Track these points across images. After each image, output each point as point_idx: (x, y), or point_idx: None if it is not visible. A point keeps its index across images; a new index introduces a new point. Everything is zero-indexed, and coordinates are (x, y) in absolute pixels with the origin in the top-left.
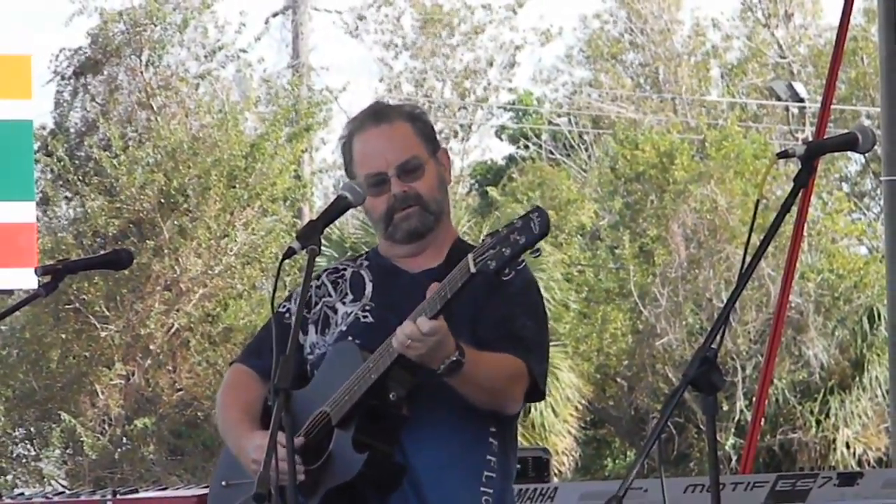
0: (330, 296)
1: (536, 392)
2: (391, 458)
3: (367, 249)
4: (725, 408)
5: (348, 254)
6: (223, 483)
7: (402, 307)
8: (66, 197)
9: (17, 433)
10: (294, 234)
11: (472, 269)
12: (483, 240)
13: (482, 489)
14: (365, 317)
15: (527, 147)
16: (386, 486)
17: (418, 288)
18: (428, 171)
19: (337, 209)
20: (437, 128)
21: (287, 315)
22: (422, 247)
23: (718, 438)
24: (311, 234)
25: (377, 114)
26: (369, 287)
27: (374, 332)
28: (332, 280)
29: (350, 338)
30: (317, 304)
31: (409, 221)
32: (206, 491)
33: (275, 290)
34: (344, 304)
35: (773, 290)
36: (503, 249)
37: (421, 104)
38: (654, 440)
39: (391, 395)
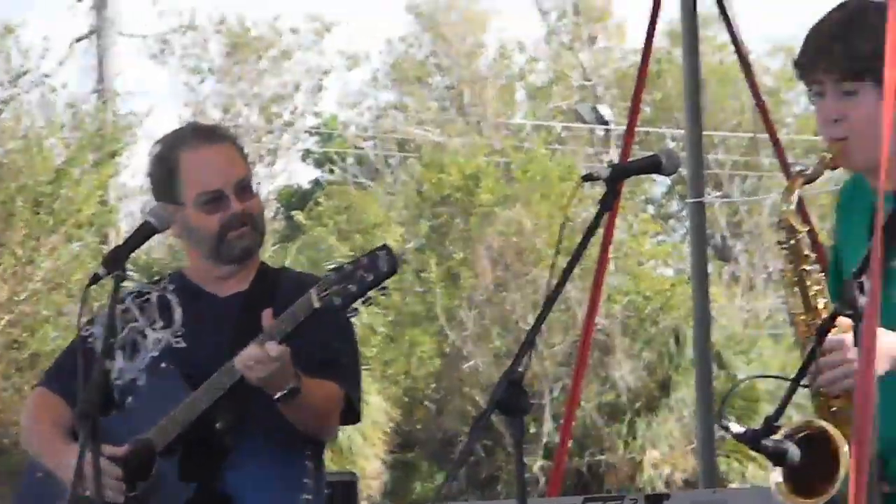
0: (137, 321)
1: (353, 415)
2: (217, 487)
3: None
4: (533, 430)
5: (154, 275)
6: None
7: (212, 332)
8: None
9: None
10: (100, 260)
11: (316, 305)
12: (326, 275)
13: None
14: (178, 342)
15: (332, 171)
16: None
17: (228, 311)
18: (256, 196)
19: (143, 234)
20: (246, 150)
21: (90, 339)
22: (243, 267)
23: (526, 461)
24: (116, 260)
25: (208, 133)
26: (178, 312)
27: (188, 357)
28: (138, 305)
29: (164, 364)
30: (123, 328)
31: (243, 240)
32: None
33: (80, 317)
34: (154, 329)
35: (579, 312)
36: (349, 286)
37: (228, 128)
38: (462, 464)
39: (217, 425)
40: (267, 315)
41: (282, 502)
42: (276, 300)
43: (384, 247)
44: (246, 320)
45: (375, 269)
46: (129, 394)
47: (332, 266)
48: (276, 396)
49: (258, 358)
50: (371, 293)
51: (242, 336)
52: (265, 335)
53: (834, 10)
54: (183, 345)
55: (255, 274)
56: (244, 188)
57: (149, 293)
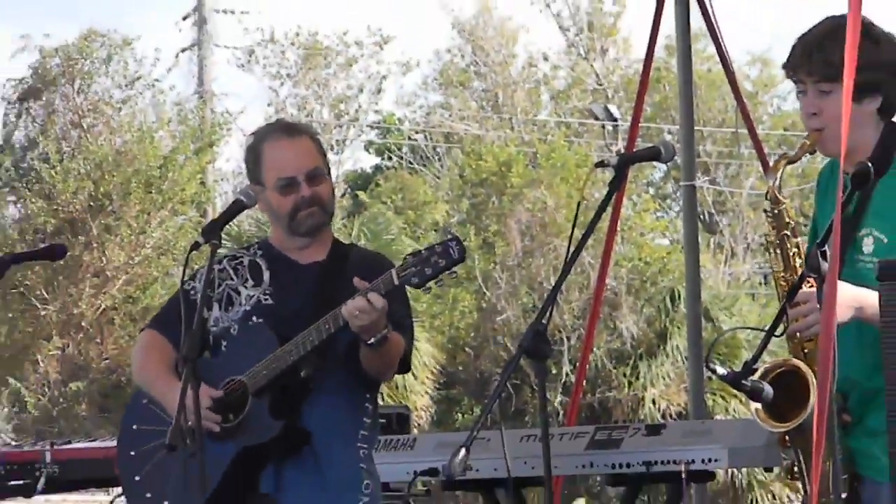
0: (232, 279)
1: (405, 366)
2: (297, 423)
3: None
4: (554, 371)
5: (244, 242)
6: (133, 426)
7: (294, 293)
8: (11, 201)
9: None
10: (199, 231)
11: (396, 282)
12: (406, 257)
13: (359, 445)
14: (266, 299)
15: (390, 158)
16: (291, 448)
17: (308, 276)
18: (326, 181)
19: (234, 210)
20: None
21: (193, 293)
22: (314, 241)
23: (548, 397)
24: (212, 231)
25: (288, 128)
26: (266, 274)
27: (274, 312)
28: (233, 266)
29: (254, 317)
30: (220, 285)
31: (312, 219)
32: None
33: (183, 276)
34: (246, 287)
35: (592, 275)
36: (425, 269)
37: (309, 125)
38: (495, 399)
39: (301, 373)
40: (358, 280)
41: (347, 433)
42: (347, 272)
43: (455, 237)
44: (323, 285)
45: (448, 256)
46: (224, 339)
47: (412, 251)
48: (370, 342)
49: (363, 308)
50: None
51: (319, 298)
52: (367, 290)
53: (816, 24)
54: (270, 302)
55: (329, 247)
56: (314, 176)
57: (241, 257)
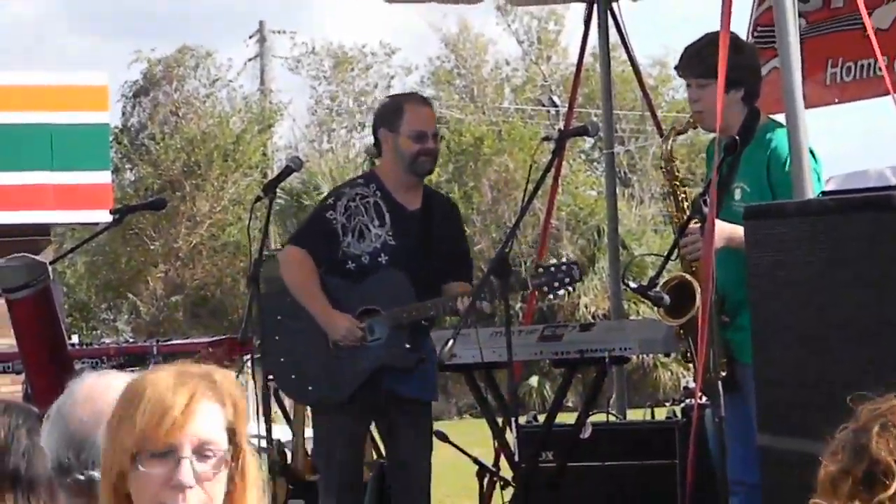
0: (363, 216)
1: None
2: (421, 355)
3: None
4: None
5: (294, 196)
6: (278, 317)
7: (408, 237)
8: (129, 168)
9: (102, 306)
10: (261, 188)
11: (529, 286)
12: (538, 269)
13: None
14: (390, 240)
15: None
16: (409, 371)
17: (414, 224)
18: (438, 143)
19: (286, 173)
20: (344, 125)
21: (333, 221)
22: (418, 184)
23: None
24: (270, 188)
25: (425, 98)
26: (387, 217)
27: (396, 252)
28: (363, 204)
29: (383, 254)
30: (353, 218)
31: (426, 165)
32: (211, 339)
33: (250, 221)
34: (374, 226)
35: (540, 216)
36: (553, 283)
37: (330, 111)
38: (472, 305)
39: (423, 322)
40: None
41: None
42: (435, 217)
43: (577, 263)
44: (425, 233)
45: (570, 276)
46: (353, 262)
47: (544, 266)
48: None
49: (483, 311)
50: None
51: (424, 245)
52: (486, 296)
53: (698, 39)
54: (393, 243)
55: (422, 195)
56: (436, 135)
57: (368, 196)
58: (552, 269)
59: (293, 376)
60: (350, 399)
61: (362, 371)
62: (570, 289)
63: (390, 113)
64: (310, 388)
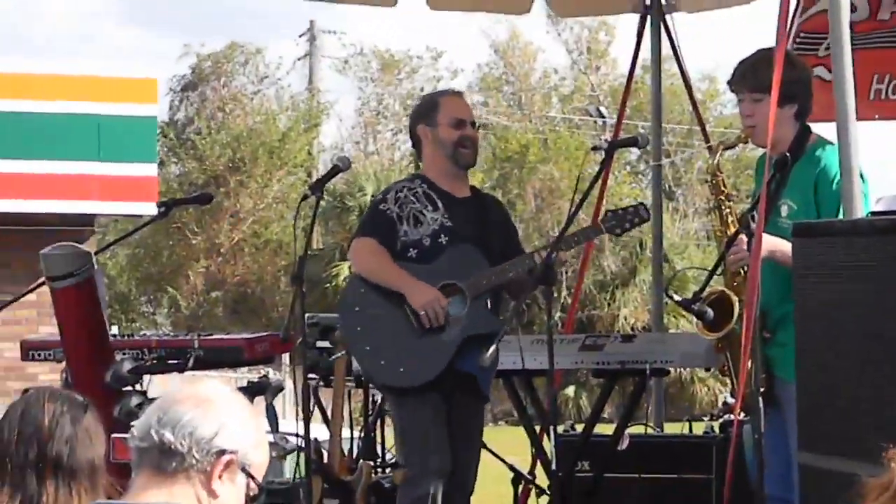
0: (415, 203)
1: None
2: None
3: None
4: (555, 294)
5: (337, 197)
6: (356, 308)
7: (465, 219)
8: (174, 161)
9: (142, 299)
10: (308, 186)
11: (603, 230)
12: (607, 213)
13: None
14: (447, 223)
15: None
16: (493, 337)
17: (468, 208)
18: (477, 133)
19: (333, 172)
20: (390, 128)
21: (388, 211)
22: (463, 176)
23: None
24: (317, 187)
25: (458, 92)
26: (439, 202)
27: (456, 234)
28: (413, 193)
29: (443, 234)
30: (405, 207)
31: (468, 156)
32: (252, 336)
33: (295, 219)
34: (428, 211)
35: (584, 226)
36: (624, 224)
37: (376, 113)
38: (515, 314)
39: (509, 275)
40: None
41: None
42: (487, 205)
43: (644, 204)
44: (480, 215)
45: (639, 215)
46: (415, 248)
47: (612, 209)
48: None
49: (561, 260)
50: None
51: (481, 226)
52: (560, 245)
53: (751, 54)
54: (451, 224)
55: (469, 186)
56: (474, 124)
57: (415, 187)
58: (620, 211)
59: (382, 362)
60: (439, 377)
61: (451, 344)
62: (639, 228)
63: (426, 109)
64: (401, 369)
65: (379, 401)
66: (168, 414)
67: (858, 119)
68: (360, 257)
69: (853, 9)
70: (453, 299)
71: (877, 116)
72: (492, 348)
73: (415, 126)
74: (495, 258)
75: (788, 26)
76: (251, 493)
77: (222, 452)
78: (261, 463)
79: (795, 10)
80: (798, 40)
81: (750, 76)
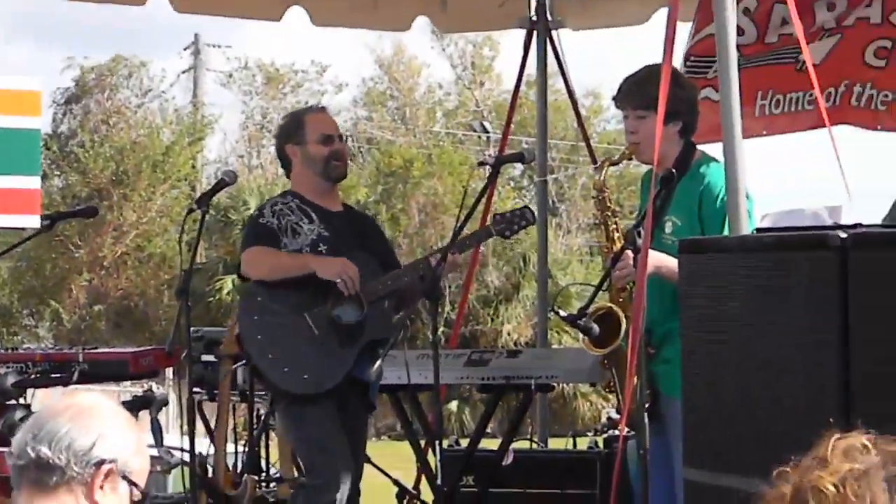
0: (291, 216)
1: None
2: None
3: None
4: (440, 309)
5: (221, 211)
6: (255, 318)
7: (341, 230)
8: (57, 174)
9: (24, 312)
10: (194, 201)
11: (493, 235)
12: (496, 216)
13: None
14: (323, 232)
15: None
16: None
17: (343, 220)
18: (345, 142)
19: (219, 186)
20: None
21: (268, 223)
22: (333, 190)
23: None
24: (203, 201)
25: (322, 107)
26: (314, 215)
27: (334, 243)
28: (287, 207)
29: (321, 244)
30: (282, 218)
31: (339, 169)
32: (137, 349)
33: (182, 234)
34: (304, 223)
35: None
36: (513, 226)
37: (260, 127)
38: (400, 327)
39: (404, 279)
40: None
41: None
42: (359, 219)
43: (528, 207)
44: (355, 228)
45: (525, 218)
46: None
47: (500, 212)
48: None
49: (456, 262)
50: None
51: (359, 238)
52: (453, 248)
53: (636, 70)
54: (327, 233)
55: (340, 201)
56: (342, 137)
57: (289, 201)
58: (508, 214)
59: (285, 369)
60: (341, 383)
61: (352, 350)
62: (523, 241)
63: (293, 128)
64: (305, 376)
65: (263, 415)
66: (44, 429)
67: (746, 136)
68: (255, 262)
69: (741, 32)
70: (346, 306)
71: (764, 132)
72: (378, 362)
73: (283, 146)
74: (378, 267)
75: (684, 47)
76: (135, 500)
77: (101, 462)
78: (141, 469)
79: (689, 35)
80: (689, 63)
81: (634, 93)
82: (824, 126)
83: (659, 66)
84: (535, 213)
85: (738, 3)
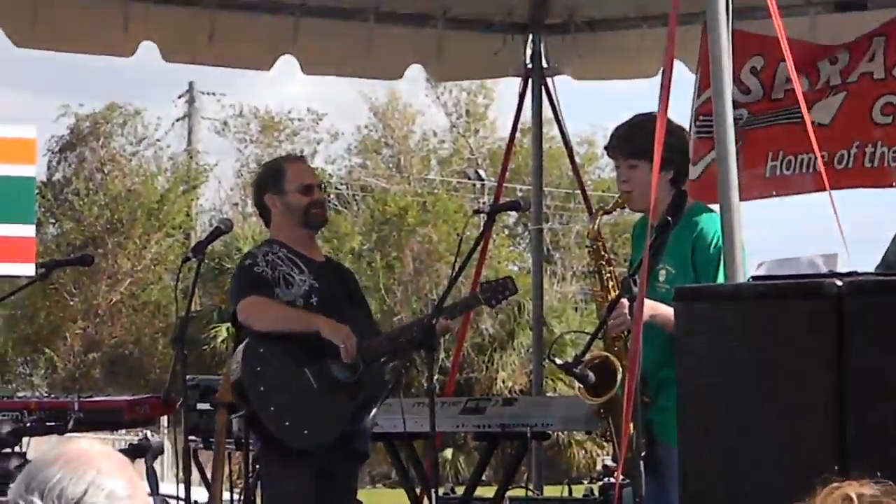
0: (283, 266)
1: None
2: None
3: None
4: (436, 357)
5: (216, 259)
6: (258, 368)
7: (326, 282)
8: (51, 222)
9: (19, 360)
10: (189, 249)
11: (481, 301)
12: (483, 285)
13: None
14: (314, 283)
15: None
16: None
17: (327, 271)
18: (324, 192)
19: (216, 234)
20: None
21: (263, 273)
22: (314, 239)
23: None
24: (199, 249)
25: (301, 157)
26: (302, 266)
27: (325, 295)
28: (278, 257)
29: (313, 295)
30: (275, 268)
31: (319, 217)
32: (133, 397)
33: (177, 281)
34: (296, 273)
35: (463, 290)
36: (497, 296)
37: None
38: (396, 375)
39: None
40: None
41: None
42: (341, 269)
43: (510, 278)
44: (338, 279)
45: (509, 289)
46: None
47: (485, 282)
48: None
49: (449, 328)
50: None
51: (344, 290)
52: (446, 313)
53: (629, 119)
54: (318, 285)
55: (320, 249)
56: (321, 186)
57: (277, 251)
58: (493, 283)
59: (287, 423)
60: (335, 440)
61: (347, 406)
62: (506, 302)
63: (272, 177)
64: (305, 431)
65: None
66: (36, 479)
67: (757, 197)
68: (259, 314)
69: (747, 91)
70: (344, 365)
71: (774, 192)
72: (374, 410)
73: (262, 195)
74: (364, 319)
75: (692, 102)
76: None
77: None
78: None
79: (693, 93)
80: (698, 123)
81: (625, 142)
82: (837, 188)
83: (650, 115)
84: (517, 284)
85: (744, 64)
